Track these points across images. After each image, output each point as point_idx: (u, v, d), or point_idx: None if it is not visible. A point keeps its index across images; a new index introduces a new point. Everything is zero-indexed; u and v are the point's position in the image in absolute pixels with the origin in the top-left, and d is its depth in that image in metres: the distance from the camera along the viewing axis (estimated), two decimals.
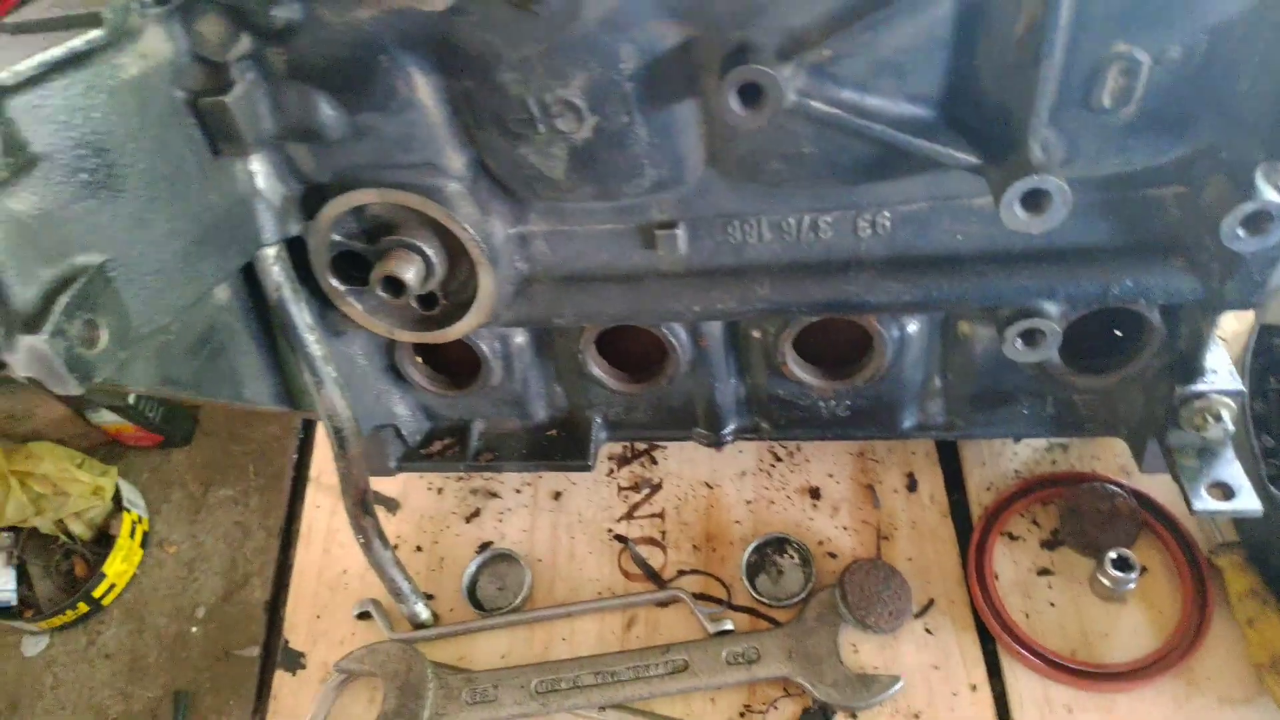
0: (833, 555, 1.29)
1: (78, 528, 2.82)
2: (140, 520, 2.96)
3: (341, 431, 1.10)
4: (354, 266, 1.06)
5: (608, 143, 0.90)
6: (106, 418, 3.02)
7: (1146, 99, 0.81)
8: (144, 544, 2.96)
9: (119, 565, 2.83)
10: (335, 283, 1.06)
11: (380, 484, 1.44)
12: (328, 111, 0.89)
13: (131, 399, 2.95)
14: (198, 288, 0.90)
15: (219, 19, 0.83)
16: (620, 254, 1.05)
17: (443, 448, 1.31)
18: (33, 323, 0.71)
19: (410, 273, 1.00)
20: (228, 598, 2.86)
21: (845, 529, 1.31)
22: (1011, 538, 1.28)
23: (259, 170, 0.94)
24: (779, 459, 1.39)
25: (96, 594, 2.78)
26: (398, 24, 0.83)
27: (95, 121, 0.76)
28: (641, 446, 1.43)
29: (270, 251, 0.99)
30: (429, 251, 1.01)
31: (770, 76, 0.78)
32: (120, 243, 0.79)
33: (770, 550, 1.29)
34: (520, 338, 1.20)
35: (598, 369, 1.19)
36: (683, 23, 0.80)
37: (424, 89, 0.89)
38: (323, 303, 1.08)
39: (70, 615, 2.77)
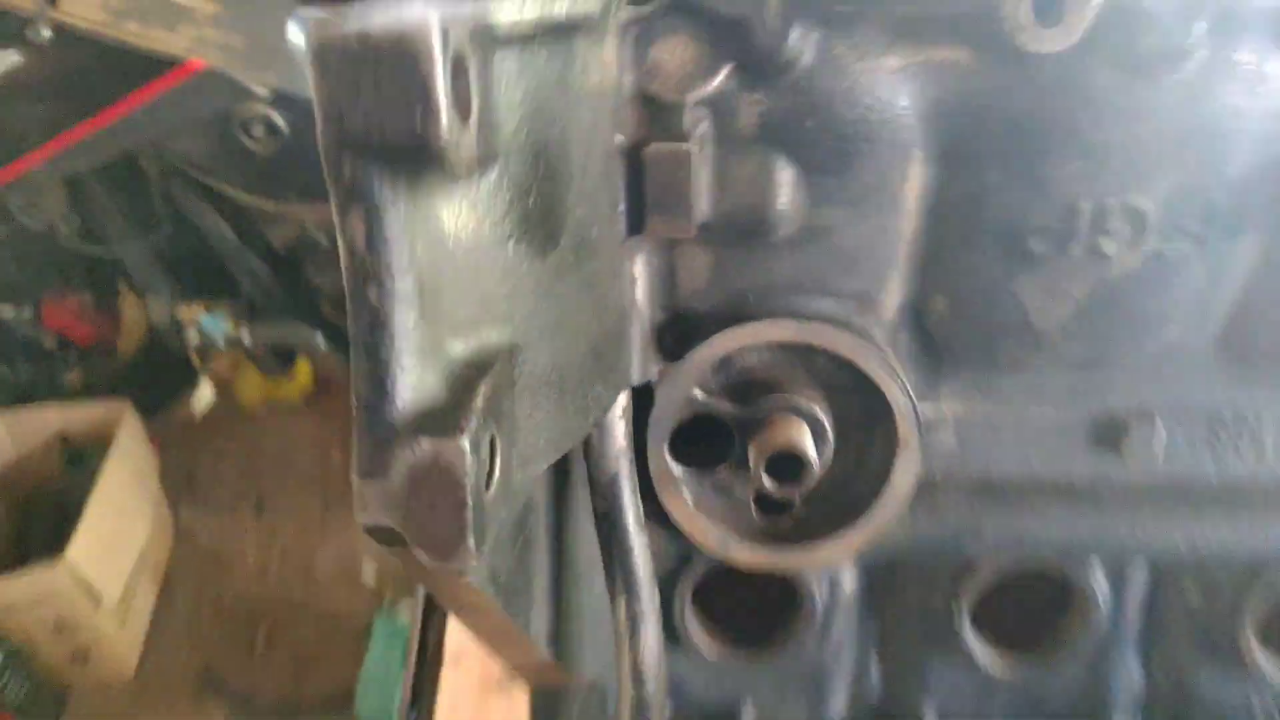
0: None
1: None
2: None
3: (647, 707, 0.69)
4: (684, 442, 0.74)
5: (1151, 279, 0.66)
6: None
7: None
8: None
9: None
10: (671, 460, 0.72)
11: None
12: (787, 196, 0.63)
13: None
14: (581, 425, 0.57)
15: (692, 42, 0.59)
16: (1060, 454, 0.76)
17: None
18: (436, 422, 0.37)
19: (810, 448, 0.68)
20: None
21: None
22: None
23: (641, 276, 0.66)
24: None
25: None
26: (932, 81, 0.61)
27: (558, 129, 0.48)
28: None
29: (621, 401, 0.67)
30: (825, 423, 0.71)
31: None
32: (531, 324, 0.48)
33: None
34: (851, 582, 0.85)
35: (973, 638, 0.84)
36: None
37: (915, 183, 0.64)
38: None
39: None
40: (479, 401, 0.39)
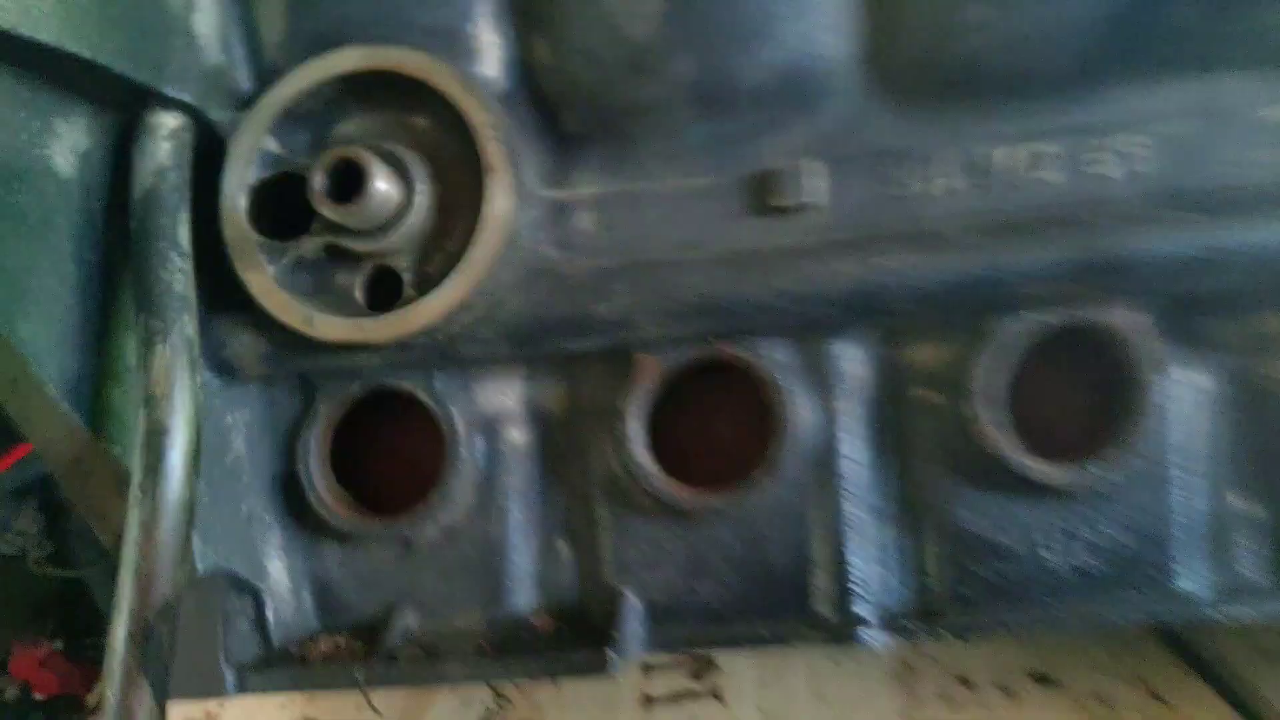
0: None
1: None
2: None
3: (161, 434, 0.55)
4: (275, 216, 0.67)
5: None
6: None
7: None
8: None
9: None
10: (248, 223, 0.65)
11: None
12: None
13: None
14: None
15: None
16: (716, 227, 0.68)
17: (334, 647, 0.69)
18: None
19: (381, 181, 0.62)
20: None
21: None
22: None
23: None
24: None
25: None
26: None
27: None
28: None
29: (169, 121, 0.62)
30: (406, 163, 0.65)
31: None
32: None
33: None
34: (519, 433, 0.72)
35: (643, 456, 0.68)
36: None
37: None
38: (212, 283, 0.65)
39: None
40: None
